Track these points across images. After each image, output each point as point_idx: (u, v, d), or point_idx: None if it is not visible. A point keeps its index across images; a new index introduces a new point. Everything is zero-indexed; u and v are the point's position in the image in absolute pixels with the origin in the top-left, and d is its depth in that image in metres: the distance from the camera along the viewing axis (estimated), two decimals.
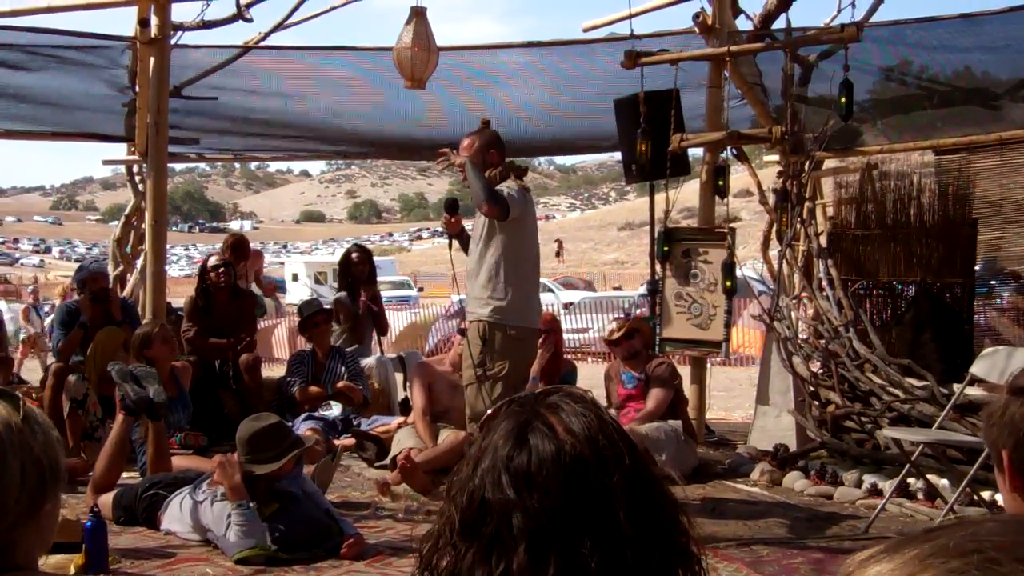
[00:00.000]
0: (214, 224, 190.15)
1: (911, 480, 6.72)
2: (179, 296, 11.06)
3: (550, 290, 34.70)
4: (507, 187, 6.20)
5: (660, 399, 7.82)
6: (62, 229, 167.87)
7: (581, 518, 1.36)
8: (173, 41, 8.71)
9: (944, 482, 6.60)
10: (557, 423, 1.42)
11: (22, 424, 1.56)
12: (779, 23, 9.20)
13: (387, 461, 7.60)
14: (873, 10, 9.02)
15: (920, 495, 6.66)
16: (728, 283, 8.19)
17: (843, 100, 7.51)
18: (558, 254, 60.55)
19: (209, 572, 5.20)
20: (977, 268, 9.09)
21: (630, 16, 8.88)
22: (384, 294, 12.43)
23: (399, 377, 9.86)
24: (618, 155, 9.40)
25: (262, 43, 10.00)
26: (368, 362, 9.57)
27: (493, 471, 1.40)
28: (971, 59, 9.27)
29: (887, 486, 6.68)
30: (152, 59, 8.32)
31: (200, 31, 9.39)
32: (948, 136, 9.53)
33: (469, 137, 6.35)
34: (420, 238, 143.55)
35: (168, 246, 9.14)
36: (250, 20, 9.17)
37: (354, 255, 10.28)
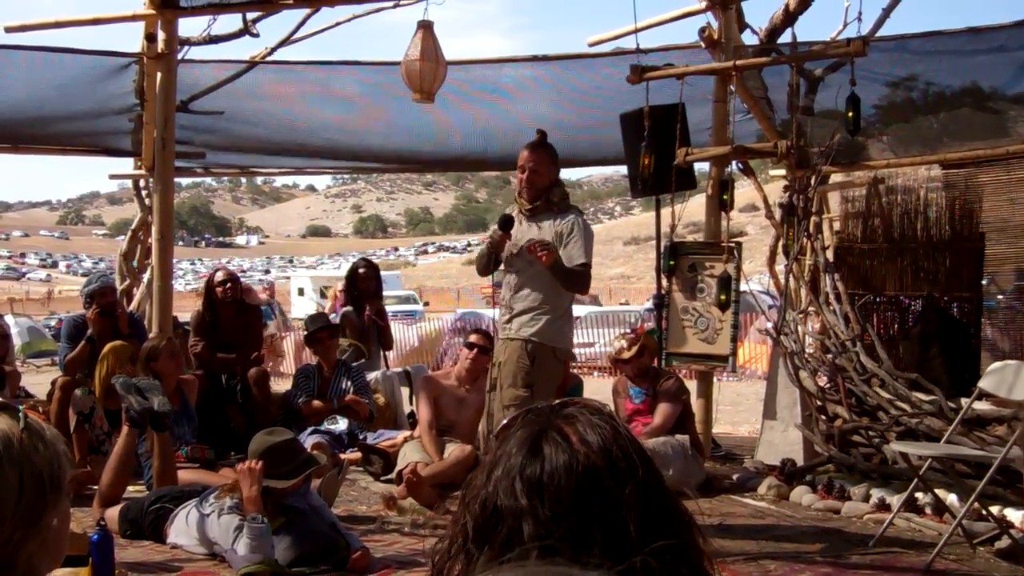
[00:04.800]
0: (220, 239, 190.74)
1: (919, 495, 6.69)
2: (185, 311, 11.07)
3: None
4: (584, 227, 6.10)
5: (668, 414, 7.80)
6: (69, 244, 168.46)
7: (592, 528, 1.35)
8: (180, 56, 8.74)
9: (952, 497, 6.57)
10: (572, 433, 1.42)
11: (24, 436, 1.55)
12: (785, 37, 9.21)
13: (393, 475, 7.59)
14: (880, 24, 9.04)
15: (928, 510, 6.63)
16: (723, 296, 8.15)
17: (850, 114, 7.50)
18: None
19: None
20: (984, 282, 9.08)
21: (636, 31, 8.89)
22: (389, 308, 12.43)
23: (405, 391, 9.86)
24: (624, 169, 9.40)
25: (268, 58, 10.03)
26: (374, 376, 9.56)
27: (506, 478, 1.40)
28: (978, 73, 9.26)
29: (895, 501, 6.65)
30: (159, 74, 8.34)
31: (207, 46, 9.43)
32: (955, 150, 9.53)
33: (532, 152, 6.16)
34: (426, 252, 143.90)
35: (174, 260, 9.15)
36: (256, 35, 9.21)
37: (361, 270, 10.29)
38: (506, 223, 6.14)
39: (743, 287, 8.42)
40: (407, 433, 8.31)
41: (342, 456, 7.95)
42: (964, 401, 6.77)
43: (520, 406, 5.71)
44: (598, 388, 11.39)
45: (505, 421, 1.51)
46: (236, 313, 9.27)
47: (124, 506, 6.16)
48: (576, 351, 17.67)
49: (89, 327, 8.35)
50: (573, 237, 6.04)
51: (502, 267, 6.25)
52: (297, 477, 5.53)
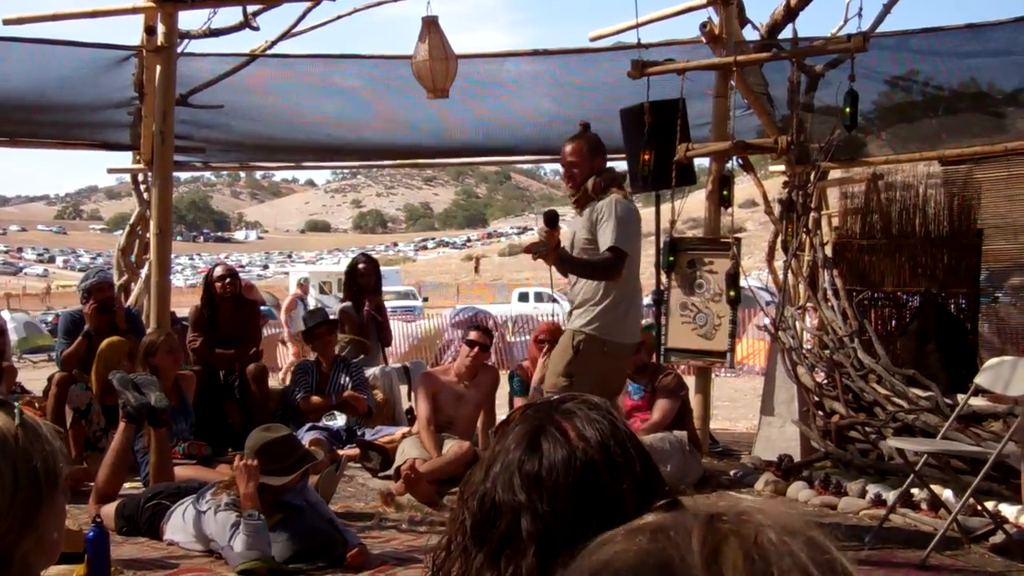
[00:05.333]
0: (219, 234, 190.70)
1: (915, 490, 6.70)
2: (183, 306, 11.05)
3: (555, 300, 34.71)
4: (617, 208, 5.88)
5: (666, 410, 7.81)
6: (66, 238, 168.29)
7: (590, 523, 1.36)
8: (180, 49, 8.72)
9: (948, 492, 6.59)
10: (570, 428, 1.43)
11: (20, 433, 1.55)
12: (786, 33, 9.20)
13: (391, 471, 7.59)
14: (880, 20, 9.02)
15: (924, 505, 6.64)
16: (732, 293, 8.18)
17: (848, 110, 7.50)
18: (476, 270, 61.91)
19: None
20: (982, 278, 9.09)
21: (637, 25, 8.89)
22: (388, 304, 12.43)
23: (404, 387, 9.86)
24: (624, 165, 9.40)
25: (269, 51, 10.02)
26: (373, 372, 9.56)
27: (505, 473, 1.41)
28: (977, 69, 9.26)
29: (891, 496, 6.65)
30: (158, 67, 8.32)
31: (207, 39, 9.41)
32: (954, 147, 9.53)
33: (572, 143, 6.09)
34: (425, 248, 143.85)
35: (173, 256, 9.14)
36: (257, 28, 9.19)
37: (361, 265, 10.29)
38: (551, 219, 5.91)
39: (742, 283, 8.42)
40: (405, 429, 8.31)
41: (340, 452, 7.95)
42: (960, 397, 6.77)
43: (561, 390, 5.65)
44: None
45: (503, 417, 1.52)
46: (235, 309, 9.26)
47: (120, 503, 6.16)
48: None
49: (86, 322, 8.33)
50: (602, 221, 5.89)
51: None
52: (294, 473, 5.54)
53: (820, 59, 9.22)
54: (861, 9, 8.03)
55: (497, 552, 1.38)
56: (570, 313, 6.08)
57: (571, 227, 6.12)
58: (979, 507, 6.18)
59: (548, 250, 5.74)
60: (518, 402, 8.01)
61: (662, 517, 0.82)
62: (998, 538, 5.90)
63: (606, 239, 5.82)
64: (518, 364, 9.11)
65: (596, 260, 5.85)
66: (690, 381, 8.94)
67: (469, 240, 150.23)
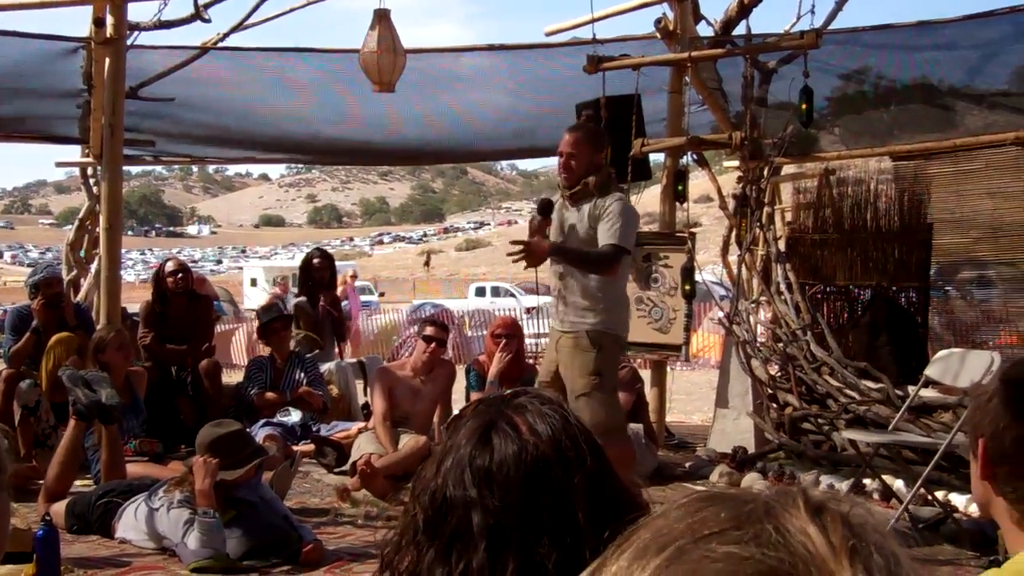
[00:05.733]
0: (171, 228, 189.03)
1: (867, 481, 6.78)
2: (134, 301, 10.94)
3: (511, 295, 34.76)
4: (626, 210, 5.85)
5: (621, 403, 7.84)
6: (14, 233, 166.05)
7: (541, 517, 1.36)
8: (129, 41, 8.62)
9: (899, 483, 6.67)
10: (522, 423, 1.43)
11: None
12: (739, 29, 9.25)
13: (347, 467, 7.57)
14: (832, 17, 9.10)
15: (876, 495, 6.73)
16: (687, 287, 8.21)
17: (803, 106, 7.56)
18: (426, 264, 62.27)
19: None
20: (932, 272, 9.19)
21: (592, 21, 8.89)
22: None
23: (359, 383, 9.82)
24: None
25: (221, 44, 9.92)
26: (328, 367, 9.52)
27: (456, 469, 1.40)
28: (927, 66, 9.36)
29: (843, 487, 6.72)
30: (107, 60, 8.22)
31: (157, 31, 9.30)
32: (904, 142, 9.63)
33: (570, 135, 5.98)
34: (381, 243, 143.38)
35: (123, 250, 9.03)
36: (208, 21, 9.08)
37: (315, 260, 10.24)
38: (545, 208, 5.95)
39: (697, 277, 8.47)
40: (361, 424, 8.28)
41: (295, 448, 7.92)
42: (911, 389, 6.86)
43: (589, 397, 5.64)
44: None
45: (456, 412, 1.52)
46: (187, 304, 9.18)
47: (71, 501, 6.09)
48: (532, 341, 17.71)
49: (34, 318, 8.23)
50: (607, 217, 5.84)
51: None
52: (244, 468, 5.49)
53: (773, 55, 9.28)
54: (814, 6, 8.10)
55: (448, 547, 1.37)
56: (565, 311, 5.93)
57: (561, 219, 6.01)
58: (930, 496, 6.26)
59: (541, 239, 5.78)
60: (474, 397, 8.01)
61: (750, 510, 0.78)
62: (948, 527, 5.98)
63: (609, 236, 5.81)
64: (475, 359, 9.10)
65: (594, 253, 5.83)
66: (646, 375, 8.98)
67: (425, 235, 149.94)
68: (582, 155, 5.93)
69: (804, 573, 0.71)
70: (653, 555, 0.75)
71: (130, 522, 5.71)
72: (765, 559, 0.72)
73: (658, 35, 8.95)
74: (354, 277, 19.35)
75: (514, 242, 5.79)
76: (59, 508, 5.94)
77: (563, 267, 5.93)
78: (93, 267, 9.90)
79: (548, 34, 10.16)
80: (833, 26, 9.11)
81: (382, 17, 7.73)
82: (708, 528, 0.75)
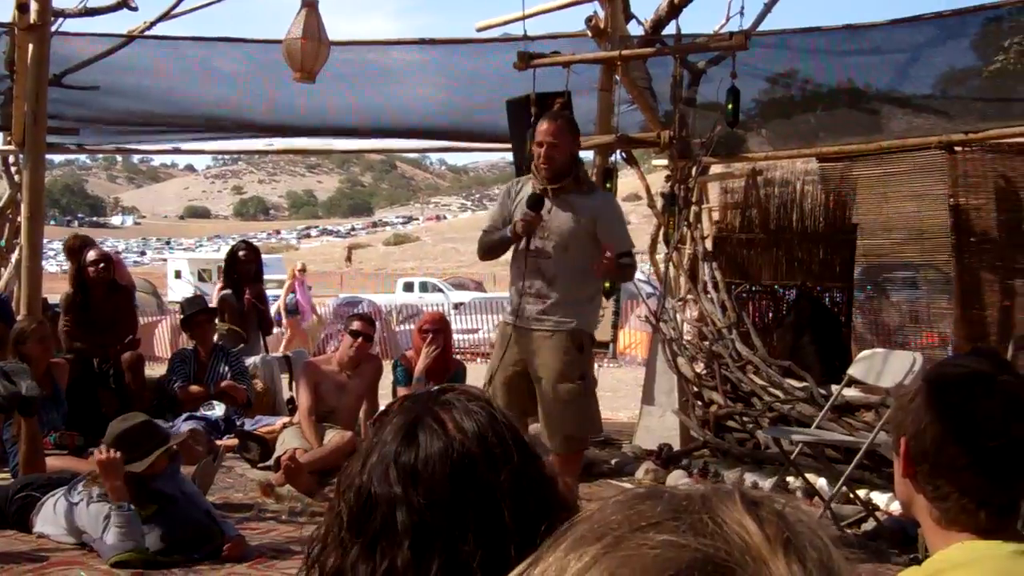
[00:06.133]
0: (94, 218, 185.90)
1: (790, 479, 6.86)
2: (56, 292, 10.73)
3: (440, 290, 34.70)
4: (617, 205, 5.95)
5: None
6: None
7: (466, 515, 1.35)
8: (54, 28, 8.46)
9: (822, 481, 6.75)
10: (448, 420, 1.42)
11: None
12: (669, 29, 9.31)
13: (271, 462, 7.49)
14: (761, 19, 9.19)
15: (799, 493, 6.80)
16: (606, 284, 8.22)
17: (730, 107, 7.63)
18: (347, 259, 62.53)
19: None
20: (856, 273, 9.34)
21: (523, 17, 8.89)
22: (270, 292, 12.27)
23: (285, 377, 9.75)
24: (509, 156, 9.41)
25: (147, 32, 9.77)
26: (253, 361, 9.43)
27: (381, 465, 1.39)
28: (854, 69, 9.49)
29: (767, 484, 6.79)
30: (31, 46, 8.06)
31: (82, 18, 9.14)
32: (831, 144, 9.76)
33: (552, 124, 5.70)
34: (308, 236, 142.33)
35: (45, 240, 8.87)
36: (135, 8, 8.94)
37: (241, 252, 10.14)
38: (538, 203, 5.57)
39: None
40: (286, 419, 8.22)
41: (218, 442, 7.83)
42: (834, 388, 6.96)
43: (577, 399, 5.52)
44: (481, 373, 11.39)
45: (382, 408, 1.51)
46: (108, 294, 9.04)
47: None
48: (460, 337, 17.70)
49: None
50: (616, 220, 5.79)
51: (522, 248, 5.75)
52: (150, 457, 5.39)
53: (703, 56, 9.36)
54: (743, 8, 8.18)
55: (372, 545, 1.36)
56: (543, 310, 5.67)
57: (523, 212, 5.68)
58: (852, 495, 6.35)
59: (533, 232, 5.57)
60: (401, 392, 7.97)
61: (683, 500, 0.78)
62: (870, 525, 6.07)
63: (623, 242, 5.76)
64: (402, 354, 9.07)
65: (629, 264, 5.80)
66: None
67: (353, 229, 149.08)
68: (564, 145, 5.69)
69: (740, 562, 0.71)
70: (589, 544, 0.75)
71: (49, 516, 5.61)
72: (702, 547, 0.72)
73: (589, 33, 8.98)
74: (303, 271, 19.18)
75: (605, 259, 5.45)
76: None
77: (556, 266, 5.65)
78: (14, 257, 9.71)
79: (479, 30, 10.14)
80: (761, 28, 9.21)
81: (310, 6, 7.66)
82: (645, 519, 0.75)
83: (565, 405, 5.59)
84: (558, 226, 5.66)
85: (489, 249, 5.98)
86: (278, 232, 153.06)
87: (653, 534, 0.74)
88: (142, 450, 5.39)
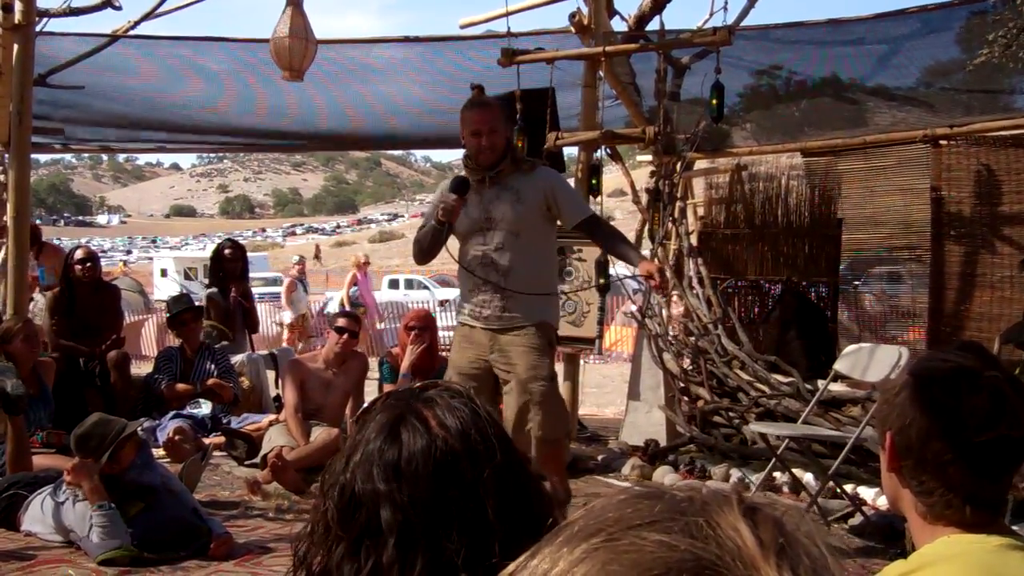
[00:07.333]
0: (80, 218, 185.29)
1: (777, 474, 6.87)
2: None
3: (425, 287, 34.67)
4: (561, 177, 5.73)
5: None
6: None
7: (450, 512, 1.35)
8: (38, 28, 8.43)
9: (808, 476, 6.76)
10: (431, 417, 1.42)
11: None
12: (653, 25, 9.33)
13: (258, 459, 7.49)
14: (744, 14, 9.20)
15: (785, 488, 6.82)
16: (602, 280, 8.25)
17: (714, 102, 7.63)
18: (316, 257, 62.94)
19: (72, 574, 5.05)
20: (842, 267, 9.36)
21: (507, 14, 8.89)
22: (256, 291, 12.24)
23: (271, 374, 9.74)
24: None
25: (132, 32, 9.74)
26: (239, 359, 9.41)
27: (365, 463, 1.39)
28: (838, 64, 9.52)
29: (754, 480, 6.81)
30: (16, 46, 8.02)
31: (67, 18, 9.10)
32: (815, 139, 9.79)
33: (485, 112, 5.47)
34: (294, 234, 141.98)
35: (45, 242, 8.85)
36: (119, 8, 8.91)
37: (226, 251, 10.11)
38: (461, 186, 5.28)
39: (610, 271, 8.51)
40: (272, 417, 8.21)
41: (205, 440, 7.82)
42: (821, 383, 6.97)
43: (548, 399, 5.32)
44: None
45: (365, 405, 1.51)
46: (94, 293, 9.03)
47: None
48: (446, 334, 17.66)
49: None
50: (569, 191, 5.65)
51: (457, 243, 5.54)
52: (108, 450, 5.37)
53: (686, 51, 9.37)
54: (727, 3, 8.17)
55: (357, 543, 1.37)
56: (504, 305, 5.40)
57: (480, 200, 5.44)
58: (838, 490, 6.36)
59: (454, 217, 5.27)
60: (387, 389, 7.97)
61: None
62: (856, 519, 6.09)
63: (584, 209, 5.68)
64: (388, 351, 9.06)
65: (620, 233, 5.77)
66: (559, 368, 8.99)
67: (339, 226, 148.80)
68: (501, 131, 5.46)
69: (730, 566, 0.71)
70: (583, 539, 0.76)
71: (36, 515, 5.60)
72: (692, 549, 0.72)
73: (572, 29, 8.97)
74: (366, 263, 18.81)
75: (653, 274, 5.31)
76: None
77: (511, 257, 5.38)
78: (35, 267, 9.69)
79: (463, 27, 10.13)
80: (745, 23, 9.22)
81: (295, 4, 7.65)
82: (641, 518, 0.76)
83: (537, 407, 5.32)
84: (503, 213, 5.40)
85: (420, 247, 5.54)
86: (264, 230, 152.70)
87: (647, 533, 0.74)
88: (104, 446, 5.38)
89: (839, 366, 6.58)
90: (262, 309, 14.10)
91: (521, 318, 5.38)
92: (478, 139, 5.39)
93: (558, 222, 5.70)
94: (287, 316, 16.67)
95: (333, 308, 18.82)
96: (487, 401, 4.68)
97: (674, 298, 9.20)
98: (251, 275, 10.78)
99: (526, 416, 5.36)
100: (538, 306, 5.42)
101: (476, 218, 5.41)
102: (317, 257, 65.60)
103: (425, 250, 5.51)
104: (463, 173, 5.53)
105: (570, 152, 9.39)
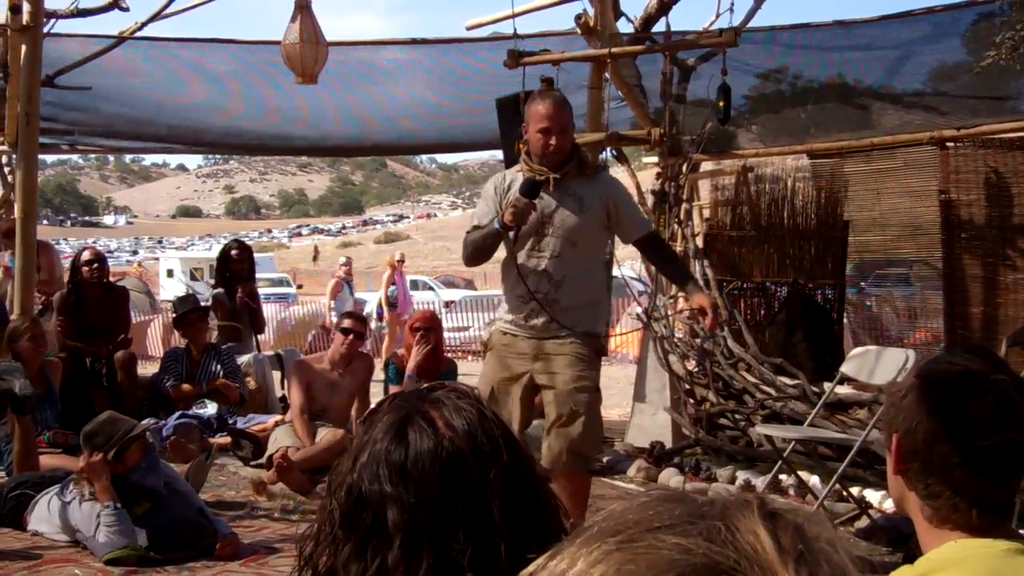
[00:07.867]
0: (86, 218, 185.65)
1: (783, 476, 6.87)
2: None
3: (431, 288, 34.68)
4: (623, 186, 5.35)
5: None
6: None
7: (456, 512, 1.36)
8: (46, 29, 8.44)
9: (814, 478, 6.76)
10: (438, 418, 1.42)
11: None
12: (659, 26, 9.31)
13: (263, 460, 7.49)
14: (751, 15, 9.19)
15: (791, 491, 6.81)
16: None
17: (721, 104, 7.63)
18: (315, 258, 63.11)
19: (78, 573, 5.07)
20: (848, 269, 9.34)
21: (513, 16, 8.88)
22: (262, 291, 12.24)
23: (277, 375, 9.75)
24: (500, 154, 9.41)
25: (139, 33, 9.75)
26: (245, 359, 9.43)
27: (371, 464, 1.40)
28: (844, 65, 9.51)
29: (759, 482, 6.81)
30: (24, 47, 8.04)
31: (74, 19, 9.12)
32: (821, 141, 9.76)
33: (559, 109, 5.02)
34: (300, 235, 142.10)
35: (38, 239, 8.85)
36: (126, 9, 8.94)
37: (233, 251, 10.12)
38: (533, 189, 4.87)
39: (615, 272, 8.51)
40: (278, 417, 8.22)
41: (211, 441, 7.83)
42: (827, 385, 6.96)
43: (590, 413, 5.06)
44: (472, 371, 11.39)
45: (372, 406, 1.51)
46: (102, 294, 9.05)
47: None
48: (451, 335, 17.66)
49: None
50: (631, 202, 5.33)
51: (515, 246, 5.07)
52: (112, 448, 5.38)
53: (692, 53, 9.36)
54: (733, 4, 8.17)
55: (363, 543, 1.37)
56: (554, 314, 5.04)
57: (542, 204, 5.02)
58: (845, 492, 6.35)
59: (524, 223, 4.88)
60: (393, 390, 7.97)
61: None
62: (863, 522, 6.08)
63: (644, 223, 5.40)
64: (393, 352, 9.07)
65: (678, 257, 5.62)
66: None
67: (344, 227, 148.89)
68: (570, 129, 5.10)
69: (747, 571, 0.72)
70: (602, 540, 0.76)
71: (43, 515, 5.61)
72: (710, 553, 0.73)
73: (578, 31, 8.97)
74: (401, 261, 18.80)
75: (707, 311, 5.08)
76: None
77: (563, 266, 5.02)
78: (7, 256, 9.68)
79: (469, 28, 10.13)
80: (752, 24, 9.21)
81: (303, 8, 7.66)
82: (660, 521, 0.76)
83: (578, 419, 4.99)
84: (563, 220, 5.01)
85: (475, 249, 5.18)
86: (269, 231, 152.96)
87: (665, 536, 0.75)
88: (111, 443, 5.39)
89: (845, 368, 6.57)
90: (268, 309, 14.11)
91: (569, 328, 5.05)
92: (547, 137, 4.99)
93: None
94: (332, 317, 16.37)
95: (371, 309, 18.83)
96: (523, 411, 4.49)
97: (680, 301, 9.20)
98: (257, 276, 10.79)
99: (564, 430, 5.04)
100: (588, 316, 5.12)
101: (531, 222, 4.97)
102: (315, 259, 65.59)
103: (481, 253, 5.19)
104: (527, 173, 5.08)
105: None
